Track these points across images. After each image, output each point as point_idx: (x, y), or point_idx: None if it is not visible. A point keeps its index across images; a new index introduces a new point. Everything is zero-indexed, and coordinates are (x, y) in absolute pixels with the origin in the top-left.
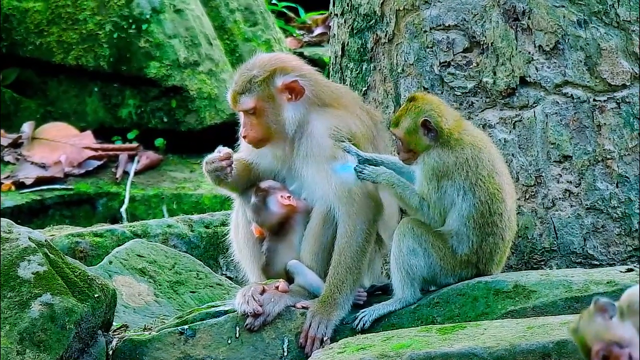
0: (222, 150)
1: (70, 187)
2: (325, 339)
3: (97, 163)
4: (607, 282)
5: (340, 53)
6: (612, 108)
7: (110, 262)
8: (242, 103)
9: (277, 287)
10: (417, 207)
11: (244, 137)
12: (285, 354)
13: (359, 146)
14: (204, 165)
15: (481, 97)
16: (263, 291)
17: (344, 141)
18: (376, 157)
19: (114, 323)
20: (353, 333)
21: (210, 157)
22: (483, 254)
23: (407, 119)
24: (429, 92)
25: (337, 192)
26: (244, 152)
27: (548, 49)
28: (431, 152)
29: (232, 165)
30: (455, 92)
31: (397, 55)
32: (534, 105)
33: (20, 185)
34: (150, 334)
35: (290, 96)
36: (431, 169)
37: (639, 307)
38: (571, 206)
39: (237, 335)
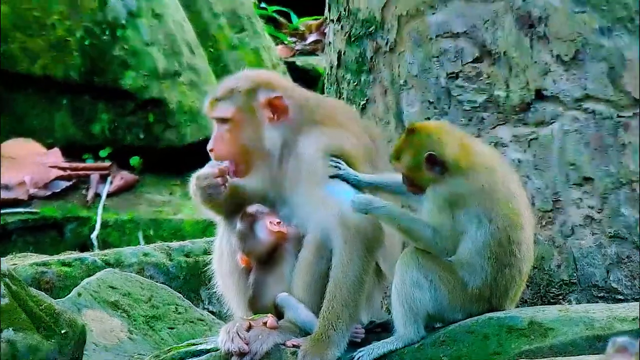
0: (216, 166)
1: (35, 210)
2: None
3: (65, 184)
4: (633, 319)
5: (336, 63)
6: (637, 125)
7: (79, 295)
8: (218, 109)
9: (265, 323)
10: (428, 239)
11: (211, 150)
12: None
13: (356, 166)
14: (194, 181)
15: (492, 113)
16: (249, 327)
17: (339, 163)
18: (378, 180)
19: None
20: None
21: (203, 172)
22: (497, 287)
23: (408, 155)
24: (434, 106)
25: (331, 217)
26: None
27: (567, 59)
28: (442, 182)
29: (227, 184)
30: (464, 107)
31: (399, 65)
32: (551, 121)
33: None
34: None
35: (272, 116)
36: (443, 199)
37: None
38: (593, 234)
39: None
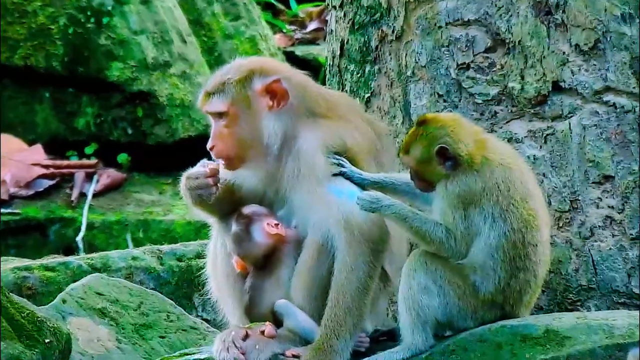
0: (207, 165)
1: (16, 211)
2: None
3: (48, 183)
4: None
5: (338, 53)
6: None
7: (64, 301)
8: (212, 104)
9: (262, 332)
10: (441, 241)
11: (211, 149)
12: None
13: (360, 164)
14: (184, 181)
15: (506, 106)
16: (246, 336)
17: (342, 161)
18: (384, 179)
19: None
20: None
21: (193, 171)
22: (511, 293)
23: (419, 147)
24: (444, 99)
25: (334, 219)
26: (224, 169)
27: (586, 49)
28: (453, 179)
29: (219, 184)
30: (476, 100)
31: (406, 55)
32: (569, 115)
33: None
34: None
35: (271, 103)
36: (456, 197)
37: None
38: (613, 236)
39: None
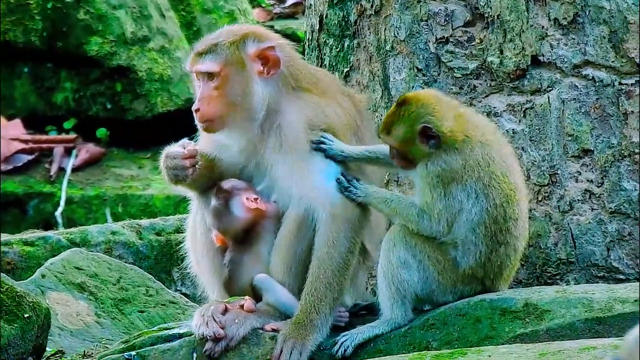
0: (186, 146)
1: None
2: None
3: (27, 158)
4: (635, 300)
5: (317, 27)
6: None
7: (43, 276)
8: (204, 63)
9: (241, 306)
10: (415, 220)
11: (196, 110)
12: None
13: (341, 139)
14: (163, 159)
15: (485, 80)
16: (225, 311)
17: (324, 137)
18: (366, 153)
19: (47, 348)
20: None
21: (172, 150)
22: (491, 267)
23: (401, 127)
24: (423, 73)
25: (316, 195)
26: (204, 143)
27: (565, 23)
28: (434, 158)
29: (197, 166)
30: (455, 74)
31: (385, 29)
32: (548, 89)
33: None
34: None
35: (262, 69)
36: (436, 176)
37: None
38: (592, 210)
39: None
